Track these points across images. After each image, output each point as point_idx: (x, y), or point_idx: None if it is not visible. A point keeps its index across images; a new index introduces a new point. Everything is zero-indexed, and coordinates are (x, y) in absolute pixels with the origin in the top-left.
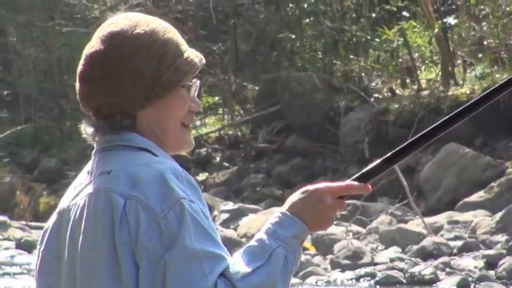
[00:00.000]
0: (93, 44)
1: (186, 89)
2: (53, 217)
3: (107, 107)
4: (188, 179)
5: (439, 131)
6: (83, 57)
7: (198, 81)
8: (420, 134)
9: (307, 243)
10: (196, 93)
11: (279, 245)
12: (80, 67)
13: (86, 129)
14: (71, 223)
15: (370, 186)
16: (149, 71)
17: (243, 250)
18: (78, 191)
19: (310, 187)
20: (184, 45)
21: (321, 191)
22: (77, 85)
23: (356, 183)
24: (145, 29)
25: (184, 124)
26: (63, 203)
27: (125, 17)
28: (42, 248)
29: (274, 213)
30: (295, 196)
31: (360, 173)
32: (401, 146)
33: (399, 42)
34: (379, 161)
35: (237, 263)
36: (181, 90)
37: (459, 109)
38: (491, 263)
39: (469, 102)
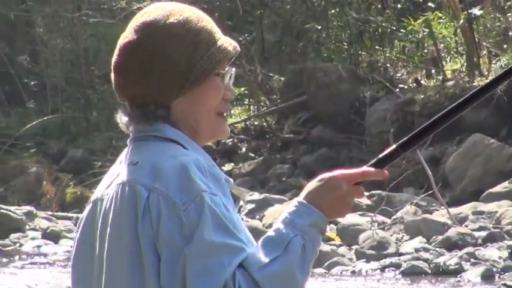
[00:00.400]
0: (127, 35)
1: (220, 77)
2: (88, 206)
3: (141, 97)
4: (212, 171)
5: (453, 114)
6: (117, 47)
7: (234, 69)
8: (434, 118)
9: (332, 234)
10: (231, 81)
11: (296, 234)
12: (114, 58)
13: (122, 119)
14: (102, 213)
15: (386, 171)
16: (183, 60)
17: (261, 240)
18: (111, 181)
19: (326, 175)
20: (218, 34)
21: (337, 178)
22: (112, 75)
23: (372, 169)
24: (179, 18)
25: (219, 112)
26: (98, 192)
27: (157, 6)
28: (78, 236)
29: (291, 202)
30: (311, 185)
31: (375, 159)
32: (416, 130)
33: (424, 33)
34: (394, 146)
35: (255, 254)
36: (216, 79)
37: (472, 91)
38: None
39: (483, 85)
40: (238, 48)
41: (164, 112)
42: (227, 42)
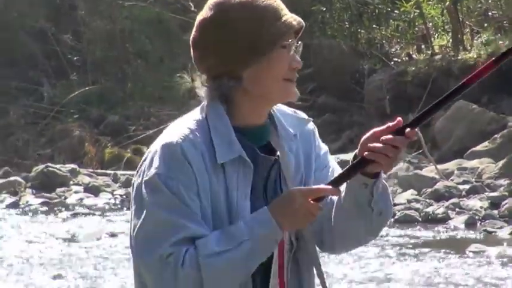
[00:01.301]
0: (202, 13)
1: (286, 49)
2: None
3: (215, 69)
4: (179, 157)
5: (428, 115)
6: (195, 24)
7: (300, 42)
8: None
9: None
10: (298, 53)
11: (248, 239)
12: (192, 34)
13: (200, 91)
14: None
15: (340, 189)
16: (251, 34)
17: (222, 230)
18: None
19: (289, 190)
20: (284, 10)
21: (295, 194)
22: (191, 51)
23: (328, 187)
24: None
25: (287, 79)
26: None
27: None
28: None
29: (264, 208)
30: (279, 197)
31: (332, 179)
32: (351, 165)
33: (415, 14)
34: (346, 168)
35: (209, 240)
36: (282, 50)
37: (448, 92)
38: (494, 204)
39: (457, 85)
40: (303, 23)
41: (236, 82)
42: (292, 18)
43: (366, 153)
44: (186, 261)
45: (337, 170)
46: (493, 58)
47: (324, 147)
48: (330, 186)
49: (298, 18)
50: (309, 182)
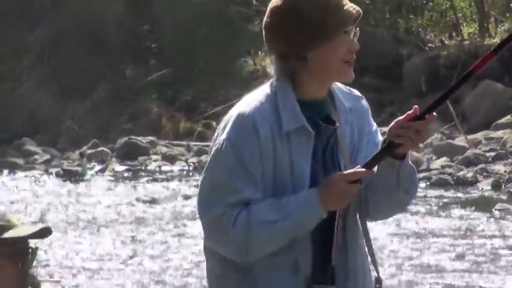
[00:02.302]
0: (274, 1)
1: (347, 34)
2: None
3: (283, 50)
4: (249, 126)
5: (440, 102)
6: (267, 11)
7: (358, 28)
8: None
9: None
10: (356, 38)
11: (294, 214)
12: (264, 20)
13: (271, 70)
14: None
15: (372, 170)
16: (317, 19)
17: (277, 199)
18: None
19: (331, 176)
20: (345, 0)
21: (335, 179)
22: (263, 33)
23: (362, 169)
24: None
25: (346, 61)
26: None
27: None
28: None
29: (312, 189)
30: (325, 179)
31: (364, 163)
32: (381, 149)
33: (447, 5)
34: (378, 151)
35: (263, 207)
36: (343, 35)
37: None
38: None
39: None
40: (361, 12)
41: (301, 63)
42: (351, 7)
43: (394, 138)
44: (237, 222)
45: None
46: (492, 49)
47: (374, 125)
48: (365, 169)
49: (357, 7)
50: (360, 153)
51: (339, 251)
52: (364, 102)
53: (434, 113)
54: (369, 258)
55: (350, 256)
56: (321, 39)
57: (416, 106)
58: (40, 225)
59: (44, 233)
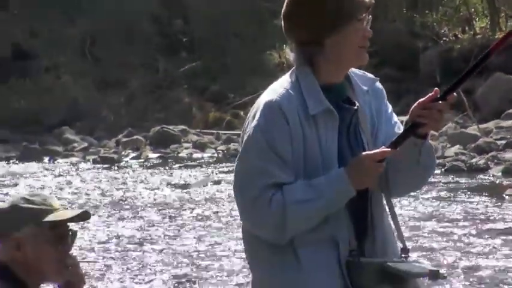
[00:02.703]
0: None
1: (360, 22)
2: None
3: (302, 37)
4: (277, 112)
5: (460, 83)
6: (285, 1)
7: (370, 16)
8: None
9: None
10: (368, 25)
11: (326, 193)
12: (283, 9)
13: (290, 56)
14: None
15: (397, 150)
16: (332, 8)
17: (310, 181)
18: None
19: (358, 156)
20: None
21: (362, 159)
22: (282, 23)
23: (388, 149)
24: None
25: (360, 46)
26: None
27: None
28: None
29: (341, 169)
30: (352, 160)
31: (390, 142)
32: (405, 129)
33: (460, 1)
34: (402, 131)
35: (297, 188)
36: (357, 23)
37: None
38: None
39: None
40: (373, 1)
41: (319, 48)
42: None
43: (417, 118)
44: (273, 203)
45: (399, 125)
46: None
47: (390, 105)
48: (390, 149)
49: None
50: (380, 131)
51: (370, 224)
52: (379, 84)
53: (454, 94)
54: (394, 231)
55: (379, 229)
56: (337, 26)
57: (436, 88)
58: (79, 210)
59: (84, 216)
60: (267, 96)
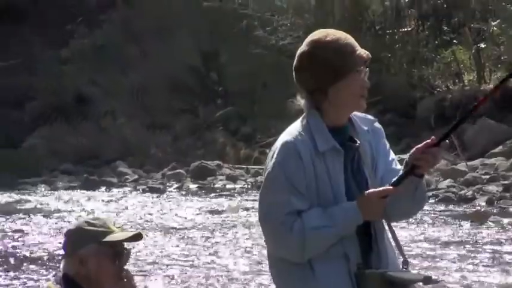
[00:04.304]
0: (302, 48)
1: (359, 73)
2: None
3: (310, 87)
4: (292, 151)
5: (451, 132)
6: (297, 55)
7: (367, 69)
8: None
9: None
10: (366, 77)
11: (340, 221)
12: (294, 63)
13: (300, 101)
14: None
15: (398, 188)
16: (336, 62)
17: (326, 209)
18: None
19: (367, 192)
20: (357, 46)
21: (370, 196)
22: (294, 74)
23: (391, 187)
24: (332, 37)
25: (360, 95)
26: None
27: (321, 31)
28: None
29: (353, 202)
30: (361, 196)
31: (393, 181)
32: (404, 172)
33: (451, 58)
34: (402, 173)
35: (314, 215)
36: (356, 74)
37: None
38: (507, 188)
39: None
40: (370, 56)
41: (323, 96)
42: (362, 51)
43: (415, 161)
44: (294, 229)
45: (396, 160)
46: (488, 92)
47: (387, 143)
48: (392, 188)
49: (367, 52)
50: (379, 165)
51: (374, 243)
52: (377, 124)
53: (447, 141)
54: (395, 248)
55: (381, 246)
56: (339, 77)
57: (433, 137)
58: (133, 232)
59: (137, 237)
60: (284, 138)
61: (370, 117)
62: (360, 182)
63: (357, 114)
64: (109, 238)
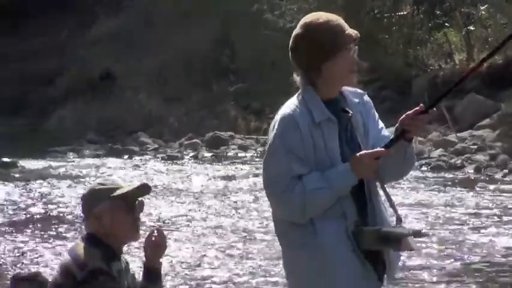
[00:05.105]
0: (296, 30)
1: (348, 51)
2: None
3: (305, 65)
4: (291, 122)
5: (439, 100)
6: (292, 37)
7: (356, 47)
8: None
9: None
10: (355, 54)
11: (336, 182)
12: (290, 44)
13: (296, 79)
14: None
15: (390, 151)
16: (327, 41)
17: (323, 172)
18: None
19: (360, 153)
20: (346, 27)
21: (363, 156)
22: (290, 54)
23: (383, 149)
24: (324, 19)
25: (351, 71)
26: None
27: (312, 14)
28: None
29: (346, 164)
30: (354, 156)
31: (385, 144)
32: (394, 136)
33: (443, 39)
34: (392, 137)
35: (313, 178)
36: (346, 52)
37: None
38: (493, 157)
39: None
40: (359, 35)
41: (317, 72)
42: (351, 31)
43: (405, 127)
44: (295, 192)
45: (385, 129)
46: (473, 66)
47: (377, 114)
48: (384, 149)
49: (356, 32)
50: (370, 133)
51: (369, 202)
52: (367, 97)
53: (434, 109)
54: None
55: (375, 205)
56: (331, 55)
57: (421, 104)
58: (139, 183)
59: (145, 188)
60: (283, 111)
61: (360, 91)
62: (353, 148)
63: (347, 88)
64: (118, 192)
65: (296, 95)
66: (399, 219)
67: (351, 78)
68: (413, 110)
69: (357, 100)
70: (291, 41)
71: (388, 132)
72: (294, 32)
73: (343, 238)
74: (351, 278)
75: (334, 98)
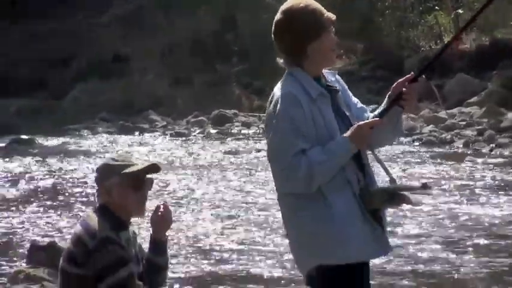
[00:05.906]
0: (277, 16)
1: (329, 32)
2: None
3: (291, 47)
4: (294, 99)
5: (427, 68)
6: (273, 23)
7: (333, 28)
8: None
9: None
10: (333, 34)
11: (338, 153)
12: (273, 30)
13: (280, 61)
14: None
15: (383, 120)
16: (308, 25)
17: (325, 146)
18: None
19: (357, 124)
20: (324, 10)
21: (360, 126)
22: (273, 39)
23: (377, 119)
24: (304, 4)
25: (332, 50)
26: None
27: (292, 0)
28: None
29: (345, 135)
30: (352, 127)
31: (379, 113)
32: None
33: (434, 22)
34: (384, 105)
35: (317, 152)
36: (327, 33)
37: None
38: (480, 133)
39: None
40: (335, 17)
41: (302, 54)
42: (330, 14)
43: (404, 97)
44: (301, 165)
45: (359, 101)
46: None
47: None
48: (380, 119)
49: (333, 15)
50: (351, 106)
51: (367, 168)
52: (338, 76)
53: (423, 76)
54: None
55: (369, 170)
56: (314, 36)
57: (412, 72)
58: (149, 162)
59: (154, 168)
60: (283, 89)
61: (331, 71)
62: (344, 121)
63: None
64: (128, 170)
65: (285, 75)
66: (392, 180)
67: (333, 55)
68: (404, 77)
69: (333, 78)
70: (273, 27)
71: (361, 104)
72: (276, 18)
73: (352, 203)
74: (364, 241)
75: (318, 77)
